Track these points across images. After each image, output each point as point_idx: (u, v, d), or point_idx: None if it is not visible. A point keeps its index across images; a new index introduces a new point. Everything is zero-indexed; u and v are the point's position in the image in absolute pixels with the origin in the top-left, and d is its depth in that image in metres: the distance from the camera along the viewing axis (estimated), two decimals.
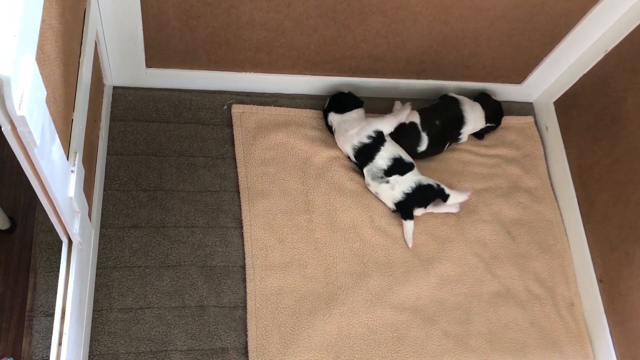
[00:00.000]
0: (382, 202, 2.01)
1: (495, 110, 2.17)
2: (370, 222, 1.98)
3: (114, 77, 1.98)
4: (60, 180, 1.19)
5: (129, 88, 2.03)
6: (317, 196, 1.98)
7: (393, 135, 2.02)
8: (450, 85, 2.19)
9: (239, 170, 1.97)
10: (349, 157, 2.03)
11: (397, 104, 2.17)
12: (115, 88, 2.02)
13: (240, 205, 1.92)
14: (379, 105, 2.17)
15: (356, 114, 2.02)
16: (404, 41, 1.94)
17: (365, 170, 1.98)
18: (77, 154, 1.34)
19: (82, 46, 1.46)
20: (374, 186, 1.97)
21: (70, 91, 1.31)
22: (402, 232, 1.98)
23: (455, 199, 1.98)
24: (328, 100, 2.06)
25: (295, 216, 1.94)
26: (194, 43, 1.86)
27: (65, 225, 1.31)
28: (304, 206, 1.96)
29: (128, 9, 1.68)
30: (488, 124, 2.15)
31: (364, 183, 2.03)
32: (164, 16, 1.74)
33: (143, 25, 1.77)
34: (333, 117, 2.03)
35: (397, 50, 1.98)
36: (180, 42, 1.85)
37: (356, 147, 1.96)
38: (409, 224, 1.96)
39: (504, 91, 2.27)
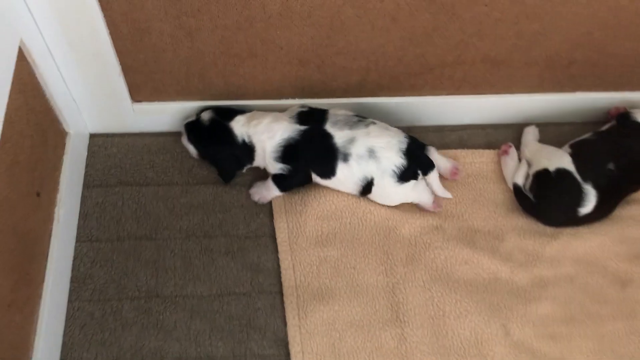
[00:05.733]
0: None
1: None
2: (505, 335, 1.17)
3: (87, 120, 1.29)
4: None
5: (112, 135, 1.34)
6: (412, 294, 1.19)
7: (525, 193, 1.25)
8: (614, 98, 1.37)
9: (281, 256, 1.22)
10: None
11: (529, 133, 1.37)
12: (92, 137, 1.34)
13: (284, 317, 1.17)
14: (504, 135, 1.38)
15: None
16: (543, 30, 1.15)
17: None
18: None
19: None
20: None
21: None
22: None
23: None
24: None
25: (377, 332, 1.16)
26: (198, 60, 1.16)
27: None
28: (390, 312, 1.18)
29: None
30: None
31: (487, 268, 1.23)
32: (140, 15, 1.04)
33: (111, 35, 1.08)
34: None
35: (531, 46, 1.19)
36: (175, 56, 1.15)
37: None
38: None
39: None
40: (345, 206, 1.27)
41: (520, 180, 1.29)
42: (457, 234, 1.26)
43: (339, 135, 1.20)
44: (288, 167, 1.22)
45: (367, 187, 1.22)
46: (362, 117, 1.24)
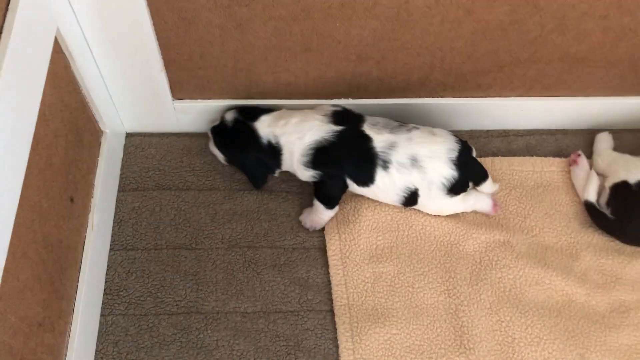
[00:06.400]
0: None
1: None
2: None
3: (124, 118, 1.20)
4: None
5: (150, 135, 1.25)
6: (477, 317, 1.08)
7: (600, 210, 1.13)
8: None
9: (332, 271, 1.11)
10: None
11: (602, 141, 1.24)
12: (129, 136, 1.25)
13: (336, 339, 1.06)
14: (575, 141, 1.26)
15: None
16: (634, 25, 1.03)
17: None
18: None
19: None
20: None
21: None
22: None
23: None
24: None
25: (439, 359, 1.04)
26: (247, 54, 1.05)
27: None
28: (453, 338, 1.06)
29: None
30: None
31: (561, 289, 1.10)
32: (187, 3, 0.94)
33: (155, 26, 0.98)
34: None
35: (618, 43, 1.07)
36: (222, 50, 1.04)
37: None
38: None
39: None
40: (403, 218, 1.16)
41: (592, 196, 1.16)
42: (527, 251, 1.14)
43: (379, 140, 1.06)
44: (319, 173, 1.09)
45: (411, 198, 1.09)
46: (402, 123, 1.10)
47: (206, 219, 1.16)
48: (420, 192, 1.08)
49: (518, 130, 1.28)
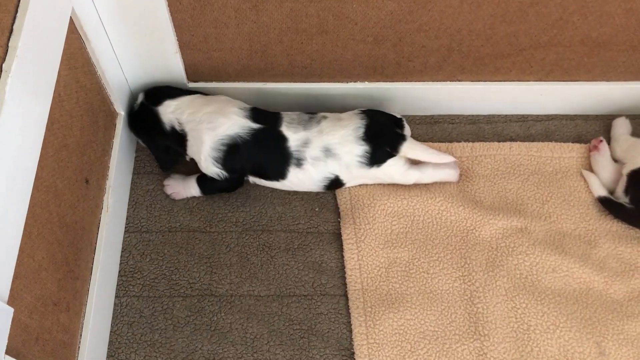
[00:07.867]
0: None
1: None
2: (599, 355, 1.04)
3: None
4: None
5: None
6: (493, 304, 1.06)
7: (616, 201, 1.08)
8: None
9: (346, 255, 1.11)
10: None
11: (620, 126, 1.22)
12: None
13: (349, 324, 1.06)
14: (595, 127, 1.24)
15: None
16: None
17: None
18: None
19: None
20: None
21: None
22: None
23: None
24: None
25: (453, 345, 1.04)
26: (262, 36, 1.04)
27: None
28: (468, 324, 1.05)
29: None
30: None
31: (578, 277, 1.09)
32: None
33: (170, 7, 0.98)
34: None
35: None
36: (238, 32, 1.03)
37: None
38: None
39: None
40: (418, 202, 1.14)
41: (601, 190, 1.14)
42: (544, 238, 1.12)
43: (294, 139, 1.07)
44: (225, 174, 1.08)
45: (334, 184, 1.12)
46: (312, 114, 1.10)
47: (220, 202, 1.16)
48: (342, 177, 1.10)
49: (537, 115, 1.25)
